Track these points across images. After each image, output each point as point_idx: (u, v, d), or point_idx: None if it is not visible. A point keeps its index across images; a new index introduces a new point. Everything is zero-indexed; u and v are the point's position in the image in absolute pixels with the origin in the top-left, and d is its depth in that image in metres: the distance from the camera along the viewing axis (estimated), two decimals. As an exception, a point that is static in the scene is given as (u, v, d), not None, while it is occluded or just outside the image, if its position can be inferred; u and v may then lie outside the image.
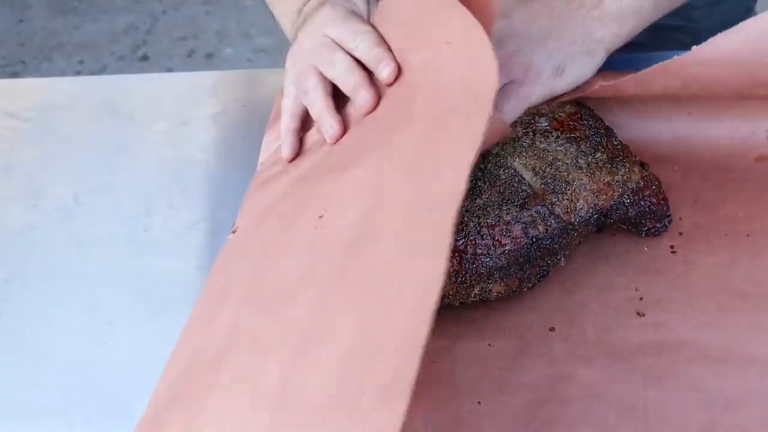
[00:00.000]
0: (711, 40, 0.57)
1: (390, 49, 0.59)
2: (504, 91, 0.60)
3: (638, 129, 0.66)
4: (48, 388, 0.57)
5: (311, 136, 0.63)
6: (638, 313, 0.57)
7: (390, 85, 0.59)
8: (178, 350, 0.53)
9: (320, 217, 0.52)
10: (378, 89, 0.59)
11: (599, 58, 0.61)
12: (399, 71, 0.58)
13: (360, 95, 0.59)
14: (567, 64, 0.60)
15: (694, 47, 0.57)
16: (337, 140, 0.59)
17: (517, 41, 0.60)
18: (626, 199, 0.59)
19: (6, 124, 0.75)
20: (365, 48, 0.60)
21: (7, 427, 0.55)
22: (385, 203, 0.50)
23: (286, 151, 0.62)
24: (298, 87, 0.62)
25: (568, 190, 0.57)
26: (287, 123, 0.63)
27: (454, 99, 0.51)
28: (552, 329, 0.56)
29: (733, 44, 0.56)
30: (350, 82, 0.60)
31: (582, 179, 0.58)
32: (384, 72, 0.59)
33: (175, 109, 0.76)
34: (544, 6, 0.61)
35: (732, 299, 0.57)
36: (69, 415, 0.55)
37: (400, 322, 0.41)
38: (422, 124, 0.53)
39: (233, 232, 0.59)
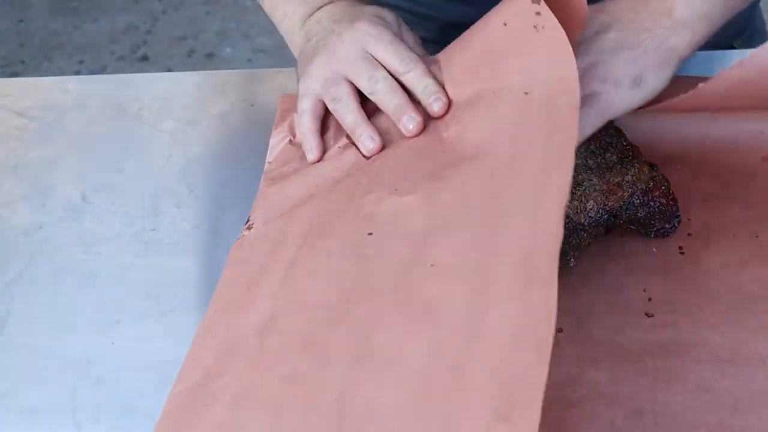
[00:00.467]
0: (716, 77, 0.57)
1: (440, 82, 0.60)
2: (582, 103, 0.57)
3: (647, 129, 0.66)
4: (56, 387, 0.57)
5: (327, 141, 0.63)
6: (647, 314, 0.57)
7: (438, 118, 0.60)
8: (199, 345, 0.52)
9: (369, 234, 0.53)
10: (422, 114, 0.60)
11: (674, 66, 0.60)
12: (449, 106, 0.59)
13: (407, 118, 0.59)
14: (645, 75, 0.59)
15: (700, 84, 0.57)
16: (373, 155, 0.60)
17: (593, 53, 0.59)
18: (636, 200, 0.59)
19: (14, 123, 0.75)
20: (415, 76, 0.60)
21: (15, 426, 0.55)
22: (452, 236, 0.50)
23: (313, 154, 0.62)
24: (326, 92, 0.62)
25: (578, 190, 0.57)
26: (309, 125, 0.63)
27: (533, 147, 0.52)
28: (560, 330, 0.56)
29: (733, 79, 0.56)
30: (393, 102, 0.60)
31: (592, 180, 0.58)
32: (436, 105, 0.59)
33: (183, 108, 0.75)
34: (613, 17, 0.60)
35: (741, 300, 0.57)
36: (76, 414, 0.56)
37: (508, 354, 0.43)
38: (491, 167, 0.53)
39: (249, 228, 0.59)
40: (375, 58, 0.62)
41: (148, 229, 0.66)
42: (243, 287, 0.54)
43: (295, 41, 0.68)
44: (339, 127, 0.63)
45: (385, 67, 0.62)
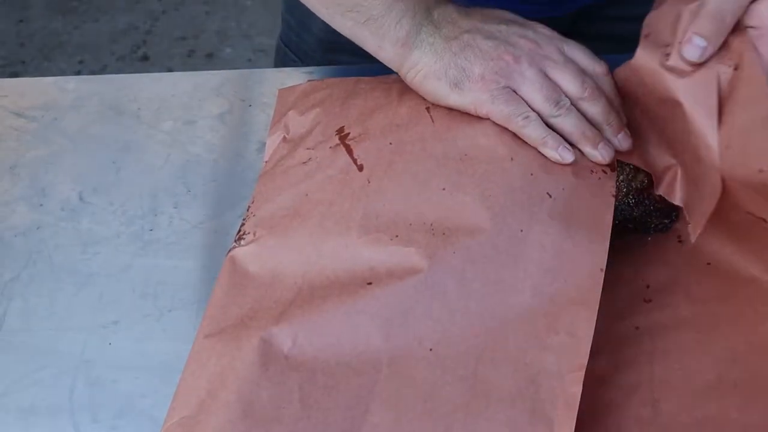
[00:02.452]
0: None
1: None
2: None
3: None
4: (54, 387, 0.57)
5: (315, 137, 0.62)
6: (645, 300, 0.56)
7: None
8: (191, 374, 0.51)
9: (369, 283, 0.52)
10: None
11: None
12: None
13: (603, 149, 0.58)
14: None
15: None
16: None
17: None
18: (631, 199, 0.59)
19: (12, 123, 0.75)
20: (602, 108, 0.59)
21: (13, 426, 0.55)
22: (452, 321, 0.51)
23: (571, 153, 0.58)
24: (514, 108, 0.59)
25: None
26: (543, 127, 0.58)
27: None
28: None
29: None
30: (584, 130, 0.58)
31: (588, 180, 0.58)
32: (625, 143, 0.59)
33: (181, 108, 0.75)
34: None
35: (736, 277, 0.56)
36: (74, 414, 0.55)
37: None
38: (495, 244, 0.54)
39: (241, 237, 0.57)
40: (548, 78, 0.59)
41: (146, 229, 0.66)
42: (237, 319, 0.53)
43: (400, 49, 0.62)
44: (329, 124, 0.62)
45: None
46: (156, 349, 0.59)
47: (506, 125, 0.58)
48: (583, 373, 0.48)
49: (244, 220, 0.59)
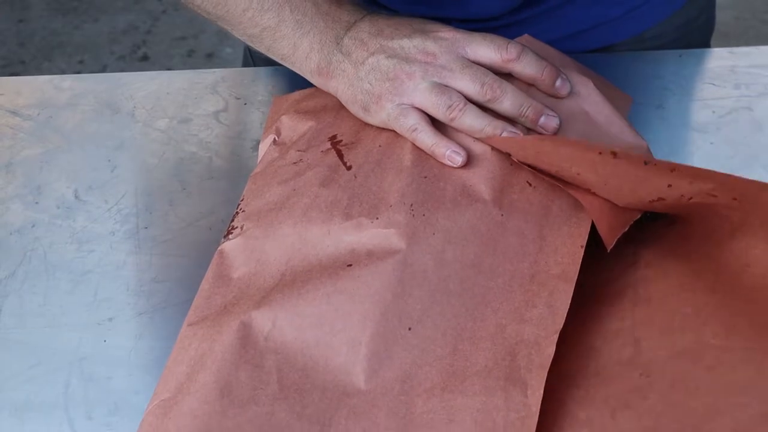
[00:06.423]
0: None
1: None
2: None
3: None
4: (48, 385, 0.57)
5: (309, 142, 0.63)
6: (633, 264, 0.56)
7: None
8: (174, 360, 0.52)
9: (348, 265, 0.53)
10: None
11: None
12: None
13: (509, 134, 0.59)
14: None
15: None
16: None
17: None
18: None
19: (7, 122, 0.75)
20: (510, 104, 0.59)
21: (7, 423, 0.55)
22: (431, 300, 0.52)
23: (461, 156, 0.58)
24: (407, 121, 0.60)
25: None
26: (432, 134, 0.59)
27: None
28: None
29: None
30: (484, 125, 0.59)
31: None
32: (550, 125, 0.59)
33: (176, 106, 0.76)
34: None
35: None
36: (69, 411, 0.56)
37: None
38: (476, 223, 0.55)
39: (230, 231, 0.58)
40: (450, 86, 0.60)
41: (141, 227, 0.66)
42: (220, 307, 0.53)
43: (327, 62, 0.64)
44: (322, 131, 0.63)
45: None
46: (150, 347, 0.59)
47: (408, 138, 0.60)
48: (557, 336, 0.49)
49: (233, 216, 0.59)
